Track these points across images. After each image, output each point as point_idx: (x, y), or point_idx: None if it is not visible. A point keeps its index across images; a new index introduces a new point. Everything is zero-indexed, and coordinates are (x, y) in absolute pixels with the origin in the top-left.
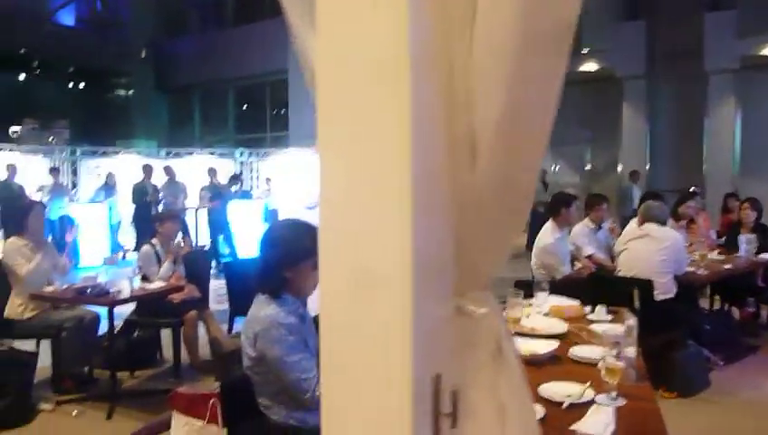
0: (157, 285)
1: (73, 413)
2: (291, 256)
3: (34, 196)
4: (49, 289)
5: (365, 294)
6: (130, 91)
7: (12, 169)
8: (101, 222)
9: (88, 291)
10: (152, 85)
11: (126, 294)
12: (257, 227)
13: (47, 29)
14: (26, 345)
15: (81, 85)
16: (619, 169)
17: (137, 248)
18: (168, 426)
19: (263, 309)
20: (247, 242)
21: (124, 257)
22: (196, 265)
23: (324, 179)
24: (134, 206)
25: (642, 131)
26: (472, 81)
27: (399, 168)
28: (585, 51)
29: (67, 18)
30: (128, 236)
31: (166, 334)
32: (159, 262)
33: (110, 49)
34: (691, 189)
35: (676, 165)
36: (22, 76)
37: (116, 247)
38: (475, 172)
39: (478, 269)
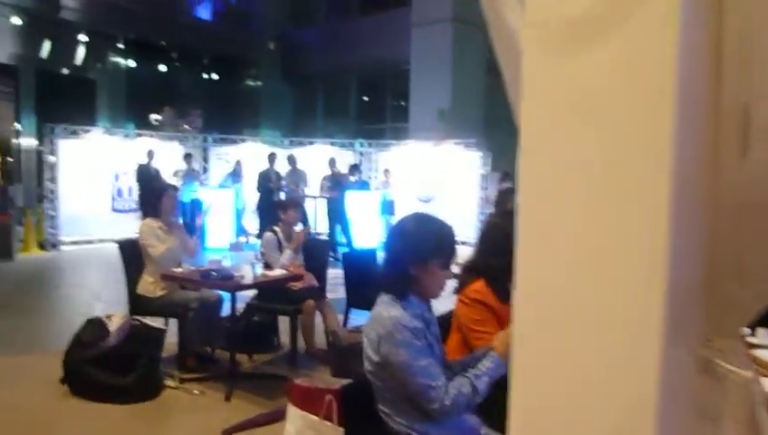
0: (278, 272)
1: (195, 392)
2: (417, 251)
3: (171, 180)
4: (178, 270)
5: (584, 331)
6: (258, 82)
7: (150, 153)
8: (228, 207)
9: (213, 274)
10: (279, 75)
11: (249, 279)
12: (374, 218)
13: (185, 22)
14: (155, 322)
15: (214, 76)
16: None
17: (260, 234)
18: (283, 415)
19: (387, 310)
20: (364, 232)
21: (247, 242)
22: (314, 254)
23: (528, 170)
24: (258, 193)
25: None
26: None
27: (654, 154)
28: None
29: (204, 12)
30: (251, 222)
31: (283, 320)
32: (281, 249)
33: (241, 41)
34: None
35: None
36: (162, 67)
37: (240, 232)
38: (745, 164)
39: (736, 304)
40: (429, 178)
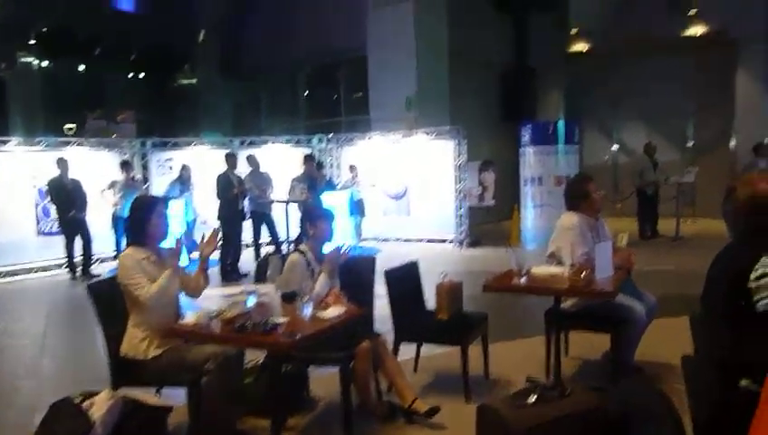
0: (335, 311)
1: None
2: None
3: (106, 193)
4: (190, 320)
5: None
6: (195, 78)
7: (61, 162)
8: (179, 221)
9: (248, 325)
10: (218, 69)
11: (306, 329)
12: (343, 219)
13: (107, 12)
14: (151, 394)
15: (142, 74)
16: (733, 143)
17: (227, 249)
18: None
19: None
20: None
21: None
22: (353, 275)
23: None
24: (219, 200)
25: (761, 100)
26: None
27: None
28: (692, 11)
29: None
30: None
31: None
32: (312, 273)
33: (173, 32)
34: None
35: None
36: (81, 67)
37: (192, 248)
38: None
39: None
40: (400, 172)
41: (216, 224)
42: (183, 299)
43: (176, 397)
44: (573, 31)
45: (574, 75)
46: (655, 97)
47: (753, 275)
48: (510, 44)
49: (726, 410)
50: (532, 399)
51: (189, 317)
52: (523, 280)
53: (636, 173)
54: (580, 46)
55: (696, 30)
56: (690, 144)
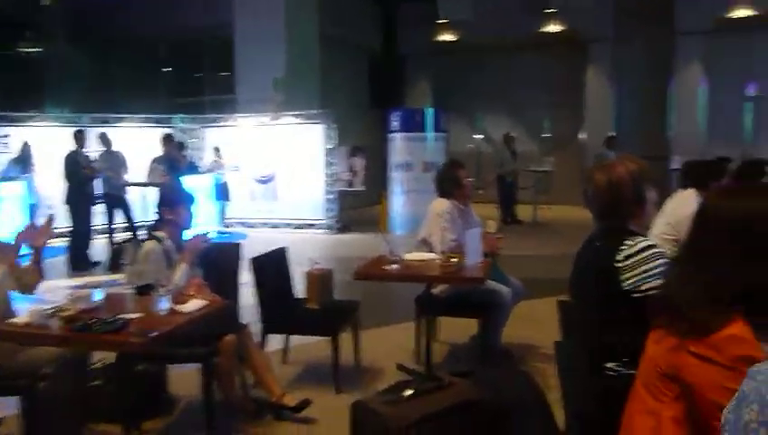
0: (195, 304)
1: None
2: None
3: None
4: (21, 320)
5: None
6: (39, 48)
7: None
8: (19, 204)
9: (92, 323)
10: (67, 40)
11: (163, 325)
12: (207, 204)
13: None
14: None
15: None
16: (584, 136)
17: (77, 233)
18: None
19: None
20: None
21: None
22: (216, 264)
23: None
24: (68, 182)
25: (607, 96)
26: None
27: None
28: (550, 10)
29: None
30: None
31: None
32: (170, 263)
33: None
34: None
35: (642, 130)
36: None
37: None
38: None
39: None
40: (267, 155)
41: (64, 208)
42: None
43: (8, 406)
44: (441, 21)
45: (443, 66)
46: (516, 90)
47: (618, 256)
48: (381, 32)
49: (596, 394)
50: (408, 392)
51: (23, 315)
52: (395, 267)
53: (497, 162)
54: (449, 37)
55: (553, 28)
56: (547, 136)
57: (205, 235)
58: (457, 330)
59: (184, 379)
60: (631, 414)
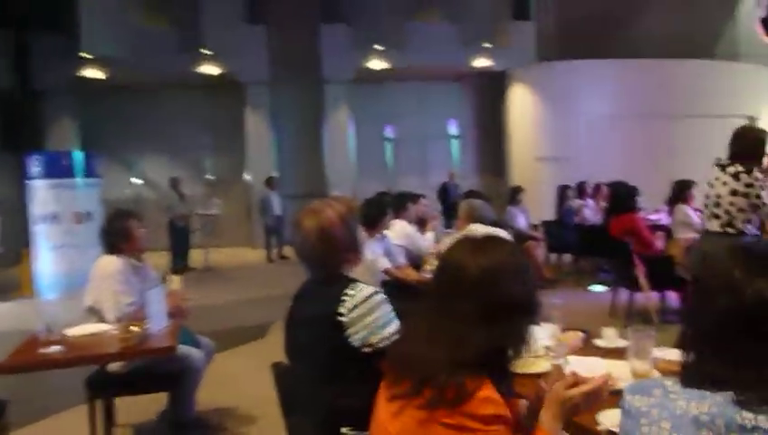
0: None
1: None
2: None
3: None
4: None
5: None
6: None
7: None
8: None
9: None
10: None
11: None
12: None
13: None
14: None
15: None
16: (248, 177)
17: None
18: None
19: None
20: None
21: None
22: None
23: None
24: None
25: (267, 138)
26: None
27: None
28: (206, 52)
29: None
30: None
31: None
32: None
33: None
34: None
35: (301, 170)
36: None
37: None
38: None
39: None
40: None
41: None
42: None
43: None
44: (85, 56)
45: (92, 104)
46: (177, 131)
47: (341, 308)
48: (12, 65)
49: None
50: None
51: None
52: (56, 348)
53: (164, 207)
54: (96, 74)
55: (209, 70)
56: (211, 177)
57: None
58: (140, 408)
59: None
60: None
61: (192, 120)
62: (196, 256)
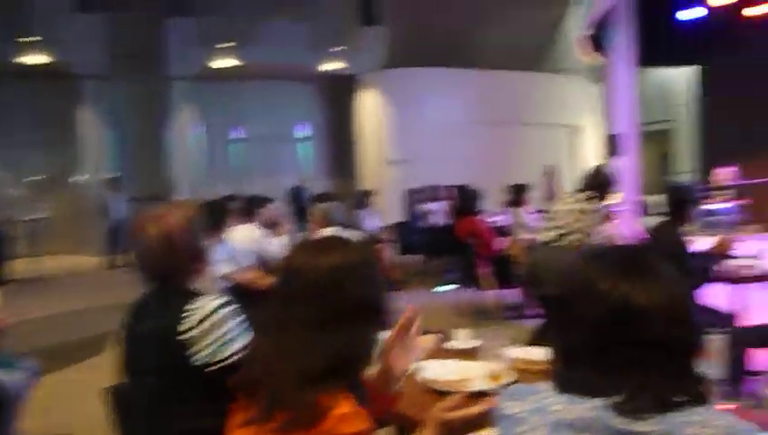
0: None
1: None
2: None
3: None
4: None
5: None
6: None
7: None
8: None
9: None
10: None
11: None
12: None
13: None
14: None
15: None
16: (81, 177)
17: None
18: None
19: None
20: None
21: None
22: None
23: None
24: None
25: (104, 136)
26: None
27: None
28: (33, 39)
29: None
30: None
31: None
32: None
33: None
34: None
35: (143, 172)
36: None
37: None
38: None
39: None
40: None
41: None
42: None
43: None
44: None
45: None
46: None
47: (182, 326)
48: None
49: None
50: None
51: None
52: None
53: None
54: None
55: (36, 59)
56: (37, 178)
57: None
58: None
59: None
60: None
61: (15, 114)
62: (20, 266)
